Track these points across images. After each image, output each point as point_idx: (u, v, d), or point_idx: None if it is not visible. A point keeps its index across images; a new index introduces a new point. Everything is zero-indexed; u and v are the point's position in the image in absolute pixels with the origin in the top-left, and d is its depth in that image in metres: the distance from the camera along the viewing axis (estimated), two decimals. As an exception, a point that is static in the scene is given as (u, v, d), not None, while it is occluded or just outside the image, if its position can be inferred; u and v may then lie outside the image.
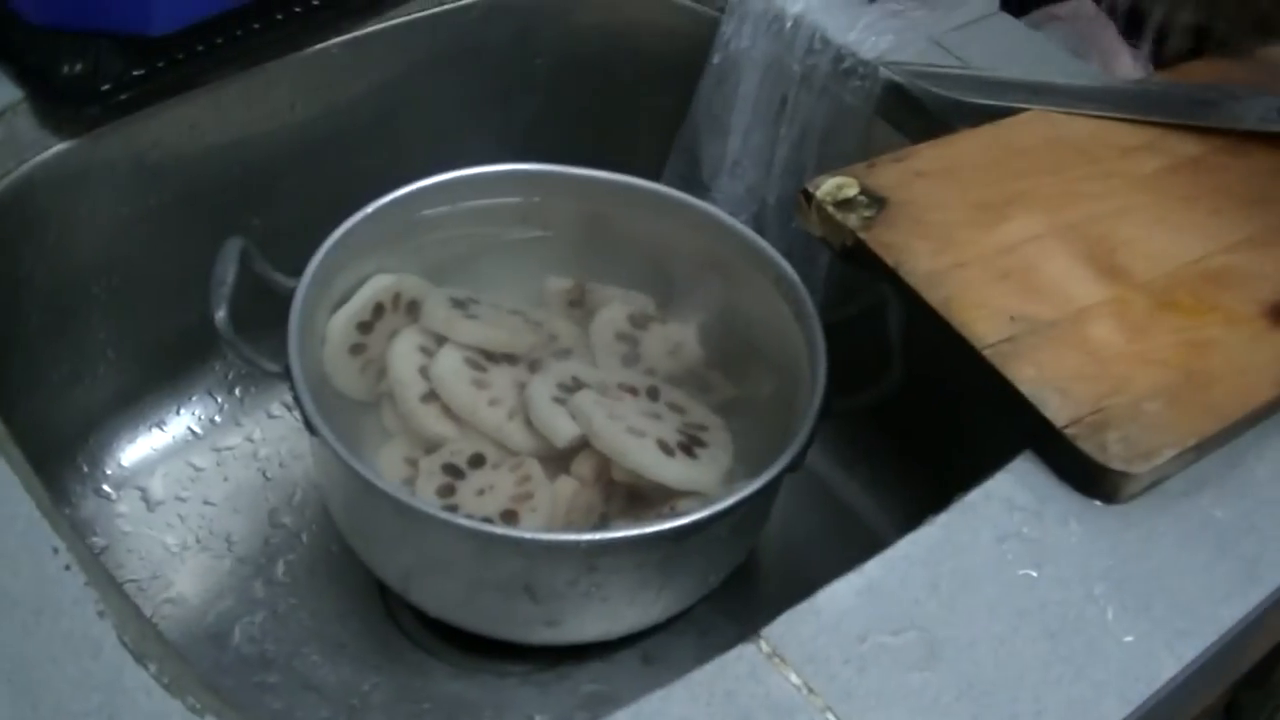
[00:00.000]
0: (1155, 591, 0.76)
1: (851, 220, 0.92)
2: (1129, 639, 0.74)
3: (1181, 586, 0.77)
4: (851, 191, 0.94)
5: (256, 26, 1.05)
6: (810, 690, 0.69)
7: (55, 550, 0.71)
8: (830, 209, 0.93)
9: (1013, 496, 0.80)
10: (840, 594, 0.74)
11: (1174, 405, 0.82)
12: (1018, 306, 0.87)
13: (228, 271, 0.93)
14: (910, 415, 1.06)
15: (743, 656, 0.71)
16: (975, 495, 0.80)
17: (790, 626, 0.72)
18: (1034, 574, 0.76)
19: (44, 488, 0.75)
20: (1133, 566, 0.77)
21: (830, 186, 0.94)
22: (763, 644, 0.71)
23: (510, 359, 1.03)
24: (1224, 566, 0.78)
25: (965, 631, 0.73)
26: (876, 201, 0.93)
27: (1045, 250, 0.92)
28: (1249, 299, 0.90)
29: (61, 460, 1.10)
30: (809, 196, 0.94)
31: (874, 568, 0.76)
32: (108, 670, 0.67)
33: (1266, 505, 0.81)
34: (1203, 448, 0.82)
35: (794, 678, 0.70)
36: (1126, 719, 0.71)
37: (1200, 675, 0.75)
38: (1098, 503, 0.80)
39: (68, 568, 0.71)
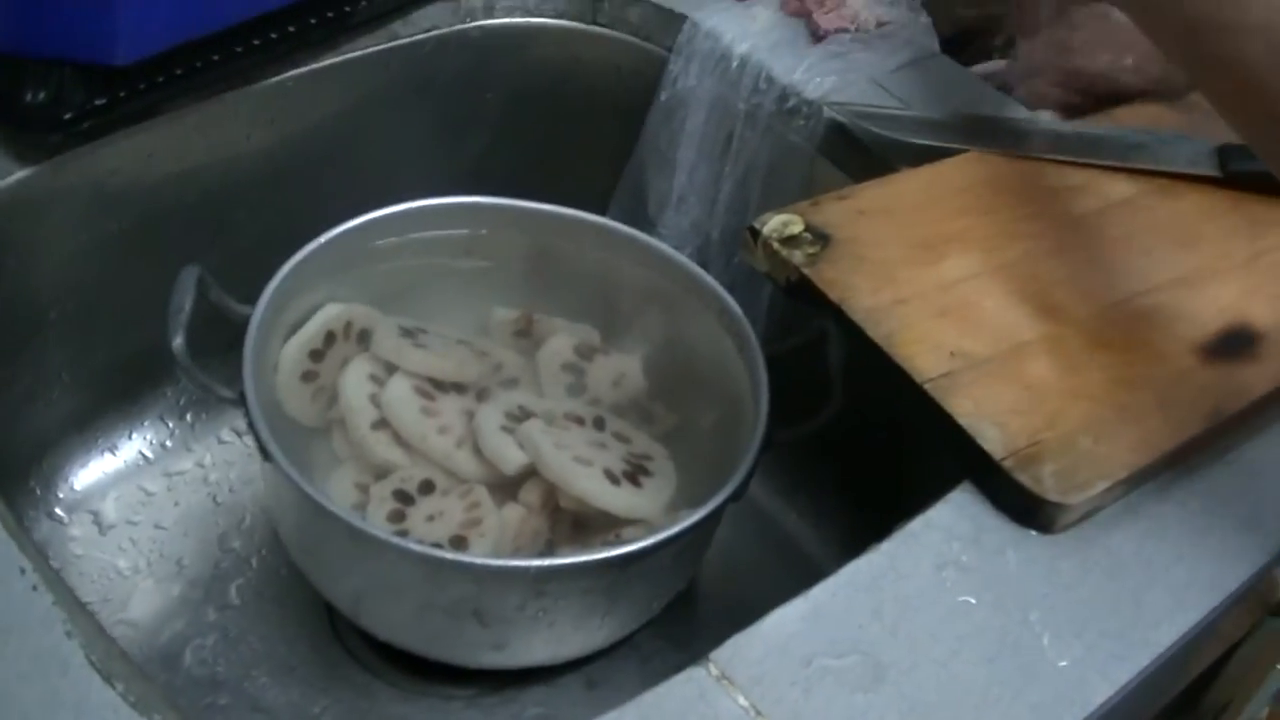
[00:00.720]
0: (1089, 618, 0.78)
1: (796, 257, 0.94)
2: (1064, 663, 0.76)
3: (1114, 613, 0.79)
4: (796, 229, 0.96)
5: (215, 58, 1.06)
6: (758, 712, 0.71)
7: (22, 571, 0.72)
8: (776, 245, 0.95)
9: (952, 526, 0.82)
10: (786, 618, 0.76)
11: (1106, 439, 0.85)
12: (956, 342, 0.89)
13: (185, 299, 0.93)
14: (849, 446, 1.08)
15: (692, 679, 0.72)
16: (916, 524, 0.82)
17: (738, 650, 0.74)
18: (973, 600, 0.78)
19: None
20: (1067, 594, 0.79)
21: (776, 223, 0.96)
22: (711, 667, 0.73)
23: (459, 388, 1.04)
24: (1154, 594, 0.80)
25: (907, 655, 0.75)
26: (820, 238, 0.95)
27: (982, 288, 0.94)
28: (1178, 337, 0.93)
29: (14, 483, 1.10)
30: (755, 233, 0.96)
31: (819, 593, 0.77)
32: (76, 689, 0.68)
33: (1194, 535, 0.83)
34: (1133, 480, 0.84)
35: (742, 700, 0.71)
36: (1062, 740, 0.73)
37: (1133, 698, 0.77)
38: (1033, 532, 0.82)
39: (35, 588, 0.72)
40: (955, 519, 0.82)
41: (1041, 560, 0.81)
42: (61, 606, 0.71)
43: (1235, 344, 0.93)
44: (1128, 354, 0.91)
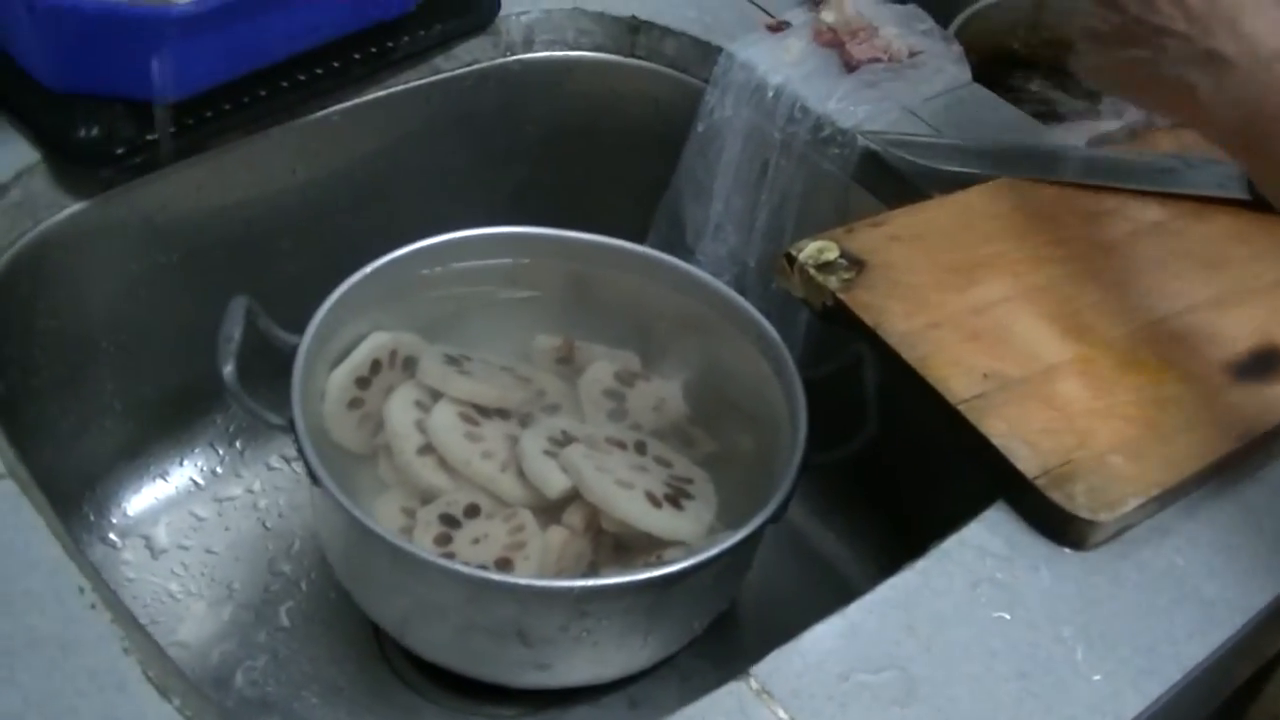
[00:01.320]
0: (1121, 633, 0.80)
1: (832, 282, 0.96)
2: (1097, 678, 0.77)
3: (1146, 628, 0.80)
4: (832, 255, 0.98)
5: (261, 94, 1.07)
6: (796, 724, 0.73)
7: (81, 590, 0.74)
8: (812, 271, 0.96)
9: (985, 544, 0.83)
10: (824, 635, 0.78)
11: (1137, 458, 0.86)
12: (989, 364, 0.91)
13: (235, 328, 0.95)
14: (884, 468, 1.09)
15: (732, 692, 0.74)
16: (950, 542, 0.83)
17: (777, 665, 0.76)
18: (1006, 616, 0.80)
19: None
20: (1100, 610, 0.81)
21: (812, 250, 0.98)
22: (751, 681, 0.75)
23: (502, 413, 1.05)
24: (1185, 610, 0.81)
25: (942, 670, 0.76)
26: (855, 264, 0.97)
27: (1014, 311, 0.96)
28: (1208, 357, 0.94)
29: (69, 509, 1.12)
30: (791, 259, 0.97)
31: (855, 611, 0.79)
32: (133, 705, 0.70)
33: (1225, 552, 0.85)
34: (1164, 498, 0.86)
35: (781, 713, 0.73)
36: (1094, 751, 0.74)
37: (1165, 713, 0.78)
38: (1066, 550, 0.83)
39: (93, 607, 0.74)
40: (989, 537, 0.84)
41: (1074, 577, 0.82)
42: (119, 624, 0.73)
43: (1265, 364, 0.95)
44: (1158, 374, 0.92)
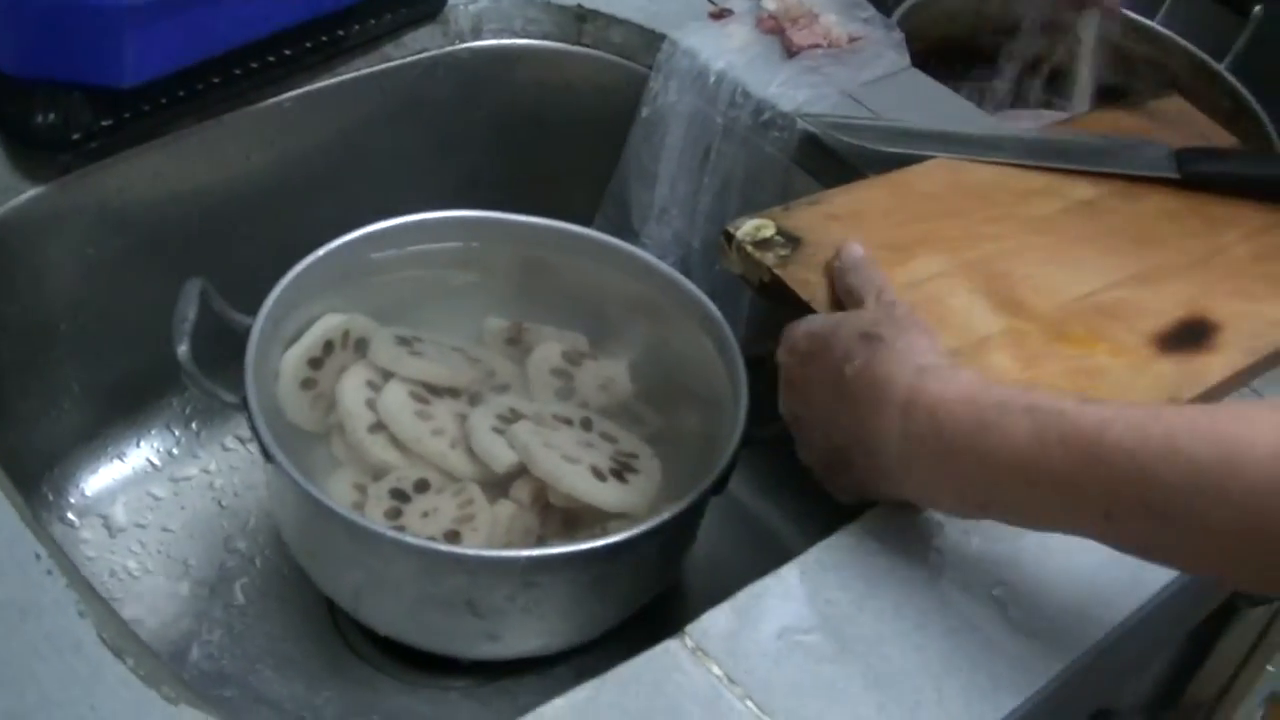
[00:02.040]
0: (1047, 595, 0.82)
1: (769, 259, 0.98)
2: (1022, 637, 0.79)
3: (1072, 591, 0.83)
4: (769, 232, 1.00)
5: (216, 81, 1.09)
6: (731, 680, 0.75)
7: (38, 556, 0.77)
8: (749, 248, 0.99)
9: (917, 508, 0.85)
10: (758, 595, 0.80)
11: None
12: None
13: (189, 309, 0.97)
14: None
15: (668, 650, 0.77)
16: (883, 508, 0.86)
17: (712, 624, 0.78)
18: (937, 578, 0.82)
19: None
20: (1027, 572, 0.83)
21: (749, 228, 1.00)
22: (687, 639, 0.77)
23: (452, 393, 1.07)
24: (1110, 573, 0.84)
25: (873, 629, 0.79)
26: (792, 241, 0.99)
27: (949, 286, 0.98)
28: (1136, 330, 0.96)
29: (28, 489, 1.12)
30: (729, 237, 1.00)
31: (789, 572, 0.82)
32: (89, 665, 0.72)
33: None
34: (1091, 464, 0.88)
35: (715, 669, 0.75)
36: (1018, 707, 0.76)
37: (1090, 670, 0.81)
38: (996, 514, 0.86)
39: (49, 573, 0.76)
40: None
41: (1004, 540, 0.84)
42: (74, 589, 0.75)
43: (1192, 335, 0.97)
44: (1088, 346, 0.95)
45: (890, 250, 1.00)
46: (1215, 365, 0.95)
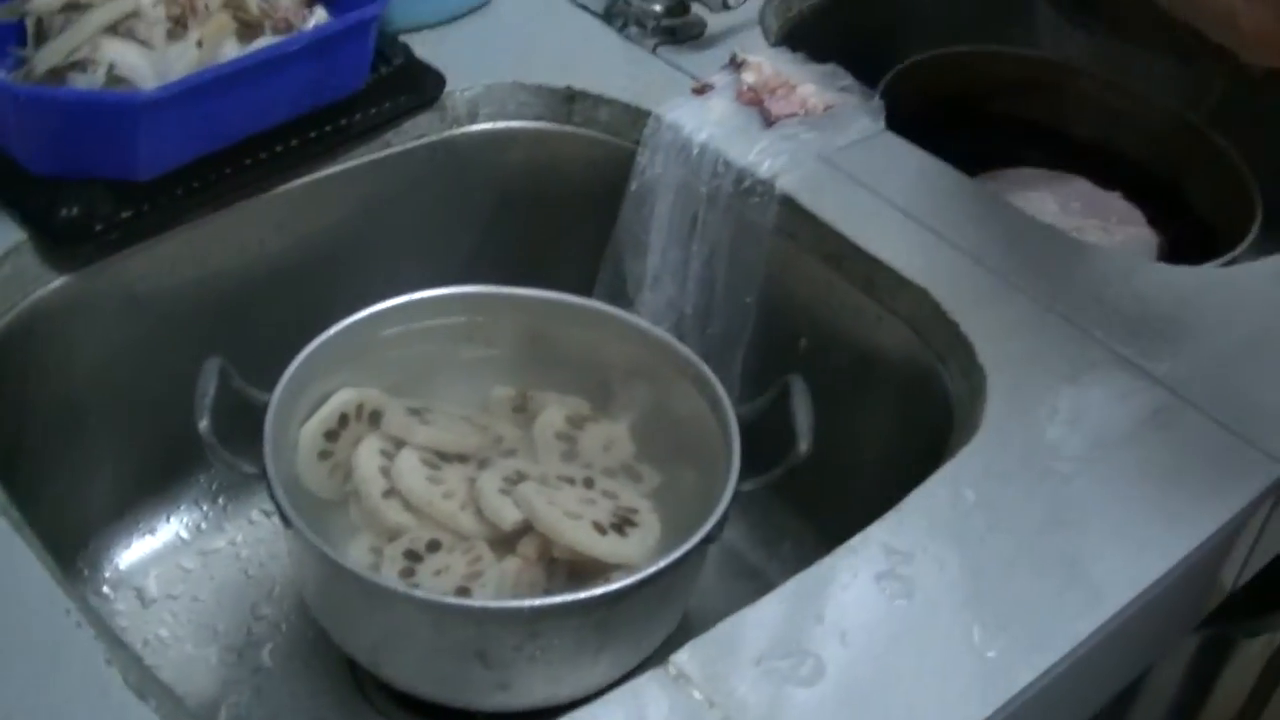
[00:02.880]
0: (1013, 614, 0.87)
1: None
2: (991, 654, 0.84)
3: (1037, 610, 0.87)
4: None
5: (228, 171, 1.13)
6: (711, 704, 0.80)
7: (68, 611, 0.82)
8: None
9: (889, 541, 0.90)
10: (739, 625, 0.85)
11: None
12: None
13: (209, 386, 1.02)
14: (827, 498, 1.17)
15: (654, 678, 0.81)
16: (856, 540, 0.90)
17: (694, 652, 0.83)
18: (907, 603, 0.87)
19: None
20: (994, 593, 0.88)
21: None
22: (670, 668, 0.82)
23: (462, 458, 1.11)
24: (1074, 593, 0.88)
25: (847, 653, 0.83)
26: None
27: None
28: None
29: (64, 565, 1.11)
30: None
31: (768, 603, 0.87)
32: (115, 708, 0.77)
33: (1112, 540, 0.92)
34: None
35: (697, 694, 0.80)
36: (989, 718, 0.81)
37: (1054, 687, 0.85)
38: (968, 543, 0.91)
39: (79, 625, 0.81)
40: (891, 536, 0.91)
41: (972, 568, 0.89)
42: (102, 640, 0.81)
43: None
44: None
45: None
46: None
